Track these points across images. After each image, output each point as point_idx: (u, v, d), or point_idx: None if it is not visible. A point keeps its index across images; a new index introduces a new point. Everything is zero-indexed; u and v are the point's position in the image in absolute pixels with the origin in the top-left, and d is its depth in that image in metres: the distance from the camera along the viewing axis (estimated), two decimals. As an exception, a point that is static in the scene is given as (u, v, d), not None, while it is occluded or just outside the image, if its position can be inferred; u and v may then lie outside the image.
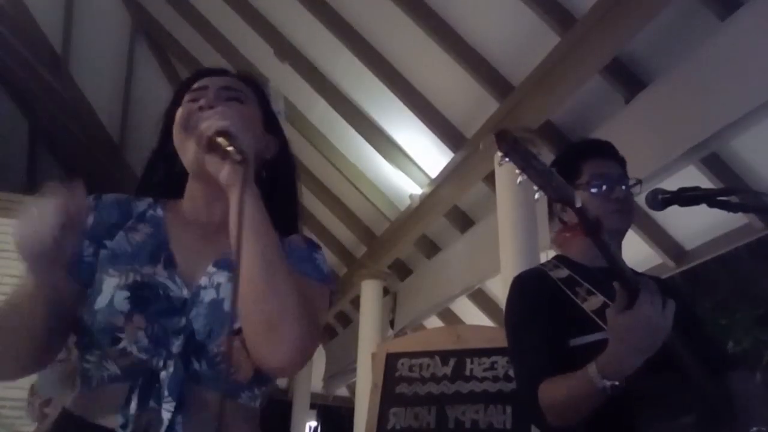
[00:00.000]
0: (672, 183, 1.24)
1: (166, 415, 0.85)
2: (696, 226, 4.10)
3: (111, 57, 6.71)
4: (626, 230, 1.43)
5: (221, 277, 0.94)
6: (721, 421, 1.18)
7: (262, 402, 0.98)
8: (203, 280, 0.94)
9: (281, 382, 9.19)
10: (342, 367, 7.45)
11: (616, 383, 1.07)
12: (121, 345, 0.88)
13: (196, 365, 0.89)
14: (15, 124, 7.38)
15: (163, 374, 0.87)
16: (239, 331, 0.88)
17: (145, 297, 0.90)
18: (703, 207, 1.28)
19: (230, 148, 0.85)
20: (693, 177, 3.47)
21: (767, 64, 2.76)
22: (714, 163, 3.59)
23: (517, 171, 1.00)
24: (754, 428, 1.18)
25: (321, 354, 8.29)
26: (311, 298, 0.92)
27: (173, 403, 0.85)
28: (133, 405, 0.86)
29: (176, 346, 0.88)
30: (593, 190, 1.38)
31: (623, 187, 1.40)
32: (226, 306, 0.91)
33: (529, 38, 3.68)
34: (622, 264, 1.10)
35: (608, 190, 1.38)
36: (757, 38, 2.80)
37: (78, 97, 6.88)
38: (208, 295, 0.92)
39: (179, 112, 1.00)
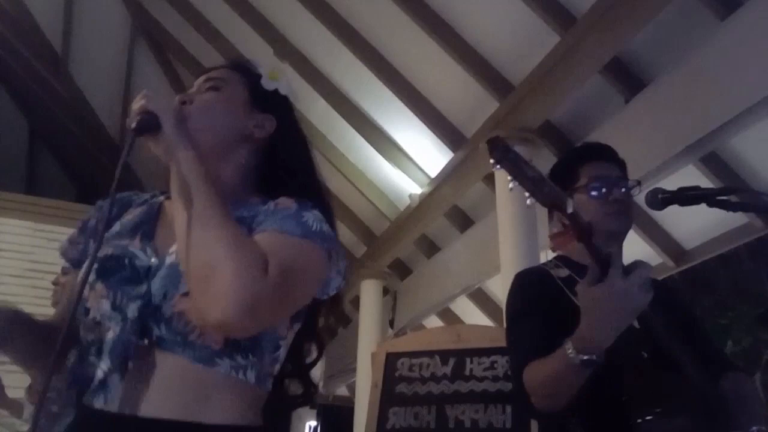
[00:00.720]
0: (671, 182, 1.25)
1: (99, 374, 0.87)
2: (696, 225, 4.10)
3: (111, 57, 6.71)
4: (626, 232, 1.43)
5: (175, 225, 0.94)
6: (718, 421, 1.18)
7: (261, 378, 0.93)
8: (172, 248, 0.93)
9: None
10: (342, 367, 7.44)
11: (593, 357, 1.07)
12: (91, 315, 0.91)
13: (156, 330, 0.88)
14: (15, 124, 7.39)
15: (109, 334, 0.89)
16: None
17: (109, 267, 0.92)
18: (703, 206, 1.28)
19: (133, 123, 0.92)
20: (692, 176, 3.47)
21: (767, 64, 2.76)
22: (713, 163, 3.59)
23: (509, 178, 1.01)
24: (755, 428, 1.18)
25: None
26: (286, 252, 0.86)
27: (108, 363, 0.87)
28: (72, 360, 0.90)
29: (131, 310, 0.89)
30: (592, 193, 1.39)
31: (622, 189, 1.41)
32: (182, 268, 0.88)
33: (529, 38, 3.68)
34: (598, 243, 1.10)
35: (606, 193, 1.39)
36: (757, 38, 2.80)
37: (78, 97, 6.88)
38: (168, 261, 0.92)
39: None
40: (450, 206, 5.08)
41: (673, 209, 1.32)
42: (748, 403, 1.23)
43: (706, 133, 3.08)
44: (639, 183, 1.43)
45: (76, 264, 1.05)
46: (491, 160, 1.01)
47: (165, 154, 0.93)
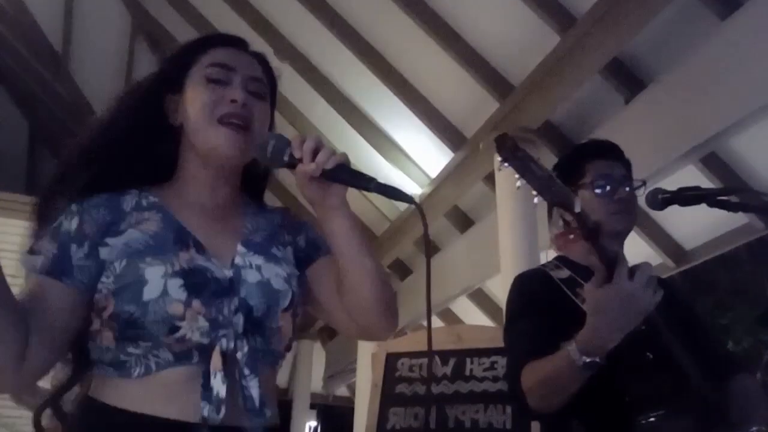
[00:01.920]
0: (672, 182, 1.25)
1: (255, 392, 0.88)
2: (696, 225, 4.10)
3: (111, 57, 6.70)
4: (628, 231, 1.43)
5: (257, 259, 0.98)
6: (719, 421, 1.18)
7: None
8: (238, 260, 0.96)
9: (281, 382, 9.20)
10: (342, 367, 7.44)
11: (596, 359, 1.07)
12: (180, 333, 0.87)
13: (252, 342, 0.92)
14: (15, 124, 7.39)
15: (239, 354, 0.89)
16: (288, 308, 0.97)
17: (197, 282, 0.90)
18: (703, 207, 1.28)
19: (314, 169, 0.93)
20: (693, 177, 3.46)
21: (767, 63, 2.76)
22: (714, 163, 3.59)
23: (516, 176, 1.00)
24: (755, 428, 1.18)
25: (321, 353, 8.29)
26: None
27: (256, 379, 0.89)
28: (220, 389, 0.86)
29: (239, 325, 0.91)
30: (597, 191, 1.38)
31: (626, 188, 1.40)
32: (275, 284, 0.96)
33: (529, 38, 3.68)
34: (605, 242, 1.10)
35: (611, 191, 1.38)
36: (758, 38, 2.80)
37: (78, 97, 6.88)
38: (251, 276, 0.95)
39: (204, 96, 0.99)
40: (450, 206, 5.08)
41: (674, 209, 1.32)
42: (751, 403, 1.23)
43: (707, 133, 3.08)
44: (644, 183, 1.42)
45: (52, 271, 0.93)
46: (499, 158, 1.00)
47: (325, 205, 0.98)
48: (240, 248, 0.98)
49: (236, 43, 1.08)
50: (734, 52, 2.90)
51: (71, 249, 0.94)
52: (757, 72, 2.79)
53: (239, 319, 0.91)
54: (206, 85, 1.00)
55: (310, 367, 8.23)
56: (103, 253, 0.93)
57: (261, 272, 0.96)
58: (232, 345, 0.89)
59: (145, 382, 0.87)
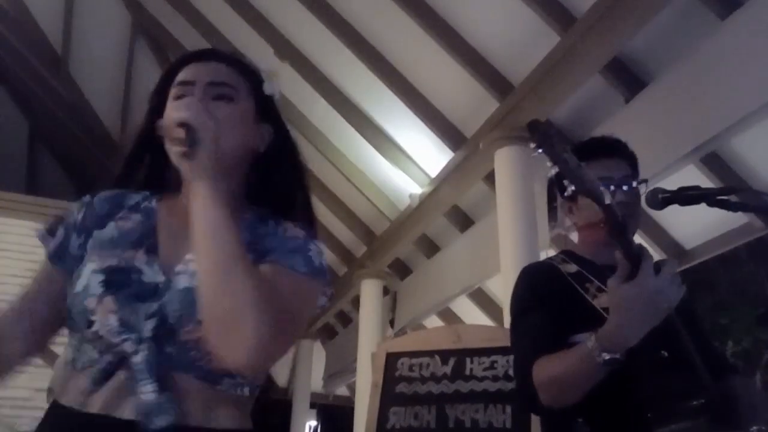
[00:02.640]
0: (672, 182, 1.25)
1: (150, 398, 0.85)
2: (696, 225, 4.10)
3: (111, 57, 6.71)
4: (633, 233, 1.40)
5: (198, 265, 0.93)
6: (724, 421, 1.18)
7: (253, 390, 0.96)
8: (179, 267, 0.93)
9: (282, 382, 9.20)
10: (342, 367, 7.45)
11: (617, 356, 1.06)
12: (94, 328, 0.89)
13: (167, 350, 0.88)
14: (15, 124, 7.39)
15: (137, 357, 0.87)
16: None
17: (117, 281, 0.90)
18: (703, 206, 1.27)
19: (178, 146, 0.87)
20: (693, 176, 3.47)
21: (767, 64, 2.76)
22: (714, 162, 3.59)
23: (549, 164, 0.98)
24: (755, 428, 1.18)
25: (321, 353, 8.30)
26: (293, 292, 0.90)
27: (154, 384, 0.85)
28: (109, 385, 0.87)
29: (148, 330, 0.88)
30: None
31: (625, 188, 1.38)
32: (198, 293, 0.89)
33: (529, 38, 3.68)
34: (630, 236, 1.07)
35: (611, 195, 1.37)
36: (758, 37, 2.80)
37: (78, 97, 6.89)
38: (182, 281, 0.91)
39: (165, 112, 0.97)
40: (450, 206, 5.08)
41: (674, 209, 1.31)
42: (753, 404, 1.22)
43: (707, 132, 3.08)
44: (645, 181, 1.40)
45: (52, 257, 0.99)
46: (532, 144, 0.98)
47: (191, 174, 0.89)
48: (188, 255, 0.93)
49: (201, 56, 1.07)
50: (734, 51, 2.90)
51: (72, 238, 1.00)
52: (757, 72, 2.79)
53: (149, 325, 0.88)
54: (171, 104, 1.00)
55: (310, 367, 8.23)
56: (89, 243, 0.98)
57: (193, 278, 0.90)
58: (131, 349, 0.87)
59: (78, 376, 0.91)
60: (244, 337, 0.81)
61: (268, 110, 1.07)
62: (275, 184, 1.07)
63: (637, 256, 1.05)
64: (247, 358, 0.82)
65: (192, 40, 5.87)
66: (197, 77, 1.01)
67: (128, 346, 0.88)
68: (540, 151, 0.96)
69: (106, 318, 0.88)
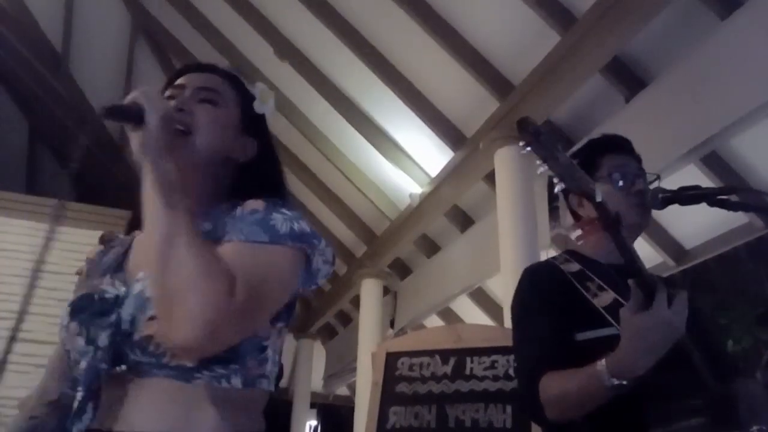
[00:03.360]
0: (672, 182, 1.25)
1: (75, 404, 0.86)
2: (696, 225, 4.10)
3: (111, 57, 6.71)
4: (645, 226, 1.39)
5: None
6: (728, 422, 1.18)
7: (249, 381, 0.92)
8: (139, 275, 0.93)
9: (282, 382, 9.18)
10: (342, 366, 7.45)
11: (624, 383, 1.07)
12: (72, 356, 0.92)
13: (132, 355, 0.88)
14: (15, 124, 7.38)
15: (81, 365, 0.89)
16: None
17: (79, 305, 0.93)
18: (703, 206, 1.27)
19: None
20: (693, 176, 3.47)
21: (767, 64, 2.76)
22: (714, 162, 3.59)
23: (538, 162, 0.98)
24: (755, 427, 1.18)
25: (321, 353, 8.30)
26: (254, 264, 0.85)
27: (82, 392, 0.87)
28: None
29: (102, 339, 0.89)
30: (619, 183, 1.36)
31: (643, 181, 1.39)
32: (147, 292, 0.88)
33: (530, 37, 3.68)
34: (640, 262, 1.08)
35: (630, 184, 1.37)
36: (758, 37, 2.80)
37: (78, 97, 6.88)
38: (137, 287, 0.91)
39: None
40: (450, 206, 5.08)
41: (674, 209, 1.31)
42: (754, 403, 1.22)
43: (707, 132, 3.08)
44: (659, 177, 1.40)
45: None
46: (521, 143, 0.97)
47: (138, 151, 0.87)
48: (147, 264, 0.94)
49: (200, 68, 1.11)
50: (734, 51, 2.90)
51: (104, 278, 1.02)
52: (757, 71, 2.79)
53: (104, 334, 0.89)
54: None
55: (310, 367, 8.23)
56: None
57: (144, 282, 0.91)
58: (89, 359, 0.88)
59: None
60: (188, 311, 0.78)
61: (256, 126, 1.09)
62: (252, 195, 1.02)
63: (651, 287, 1.05)
64: (192, 334, 0.78)
65: (192, 40, 5.87)
66: (189, 83, 1.06)
67: (85, 358, 0.90)
68: (528, 149, 0.96)
69: (73, 341, 0.91)
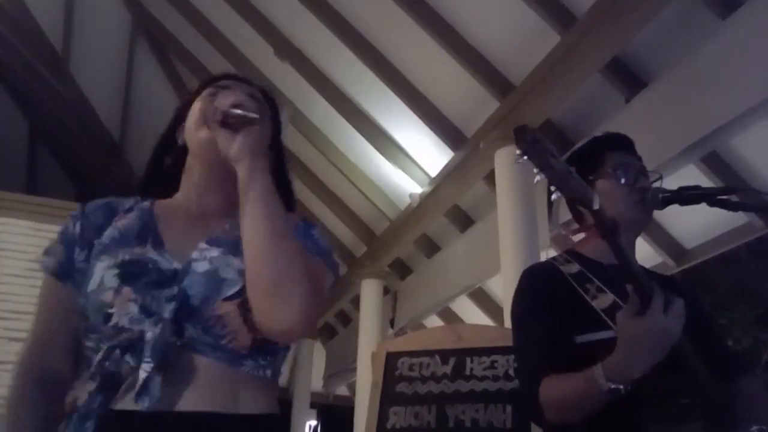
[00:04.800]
0: (672, 182, 1.24)
1: (142, 375, 0.85)
2: (696, 225, 4.10)
3: (111, 57, 6.71)
4: (647, 223, 1.39)
5: (214, 252, 0.97)
6: (727, 423, 1.17)
7: (275, 373, 0.99)
8: (195, 254, 0.96)
9: (282, 382, 9.19)
10: (342, 366, 7.45)
11: (621, 387, 1.07)
12: (113, 320, 0.90)
13: (190, 331, 0.90)
14: (15, 124, 7.38)
15: (148, 335, 0.88)
16: (233, 297, 0.92)
17: (133, 272, 0.92)
18: (703, 206, 1.27)
19: (244, 113, 0.95)
20: (693, 176, 3.47)
21: (767, 63, 2.76)
22: (714, 162, 3.59)
23: (535, 170, 0.98)
24: (755, 427, 1.18)
25: (321, 353, 8.30)
26: (315, 272, 0.96)
27: (151, 364, 0.86)
28: (108, 363, 0.88)
29: (168, 311, 0.89)
30: (622, 180, 1.36)
31: (647, 178, 1.39)
32: (222, 273, 0.93)
33: (530, 37, 3.68)
34: (636, 267, 1.08)
35: (633, 181, 1.37)
36: (758, 37, 2.80)
37: (78, 97, 6.87)
38: (201, 266, 0.94)
39: (197, 105, 1.05)
40: (450, 206, 5.08)
41: (674, 209, 1.31)
42: (755, 403, 1.22)
43: (707, 132, 3.08)
44: (661, 176, 1.40)
45: (59, 273, 1.01)
46: (517, 151, 0.98)
47: (237, 155, 0.94)
48: (201, 244, 0.98)
49: (235, 77, 1.15)
50: (734, 51, 2.90)
51: (75, 251, 1.01)
52: (757, 71, 2.79)
53: (169, 307, 0.90)
54: (204, 98, 1.07)
55: (310, 367, 8.23)
56: (92, 253, 1.00)
57: (212, 262, 0.95)
58: (151, 332, 0.88)
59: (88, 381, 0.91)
60: (294, 297, 0.88)
61: (276, 143, 1.16)
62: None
63: (648, 293, 1.05)
64: (296, 319, 0.88)
65: (192, 40, 5.87)
66: (236, 86, 1.09)
67: (146, 327, 0.89)
68: (525, 158, 0.96)
69: (125, 307, 0.90)
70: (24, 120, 7.55)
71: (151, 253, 0.95)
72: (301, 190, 6.27)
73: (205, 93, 1.08)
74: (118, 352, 0.89)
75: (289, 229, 0.93)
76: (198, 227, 1.03)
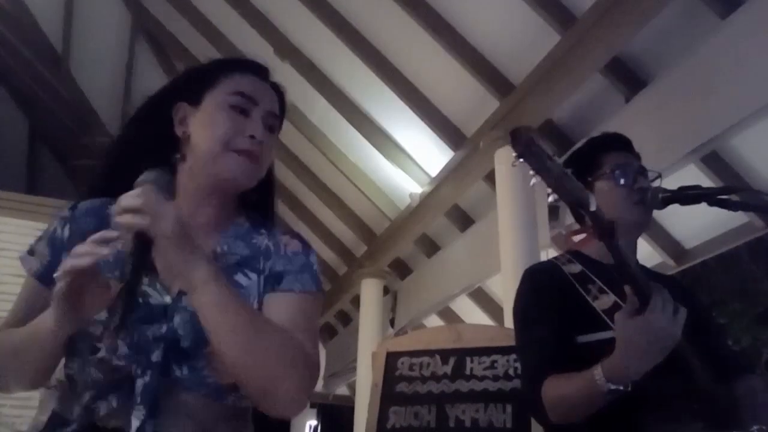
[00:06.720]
0: (672, 182, 1.24)
1: (135, 423, 0.84)
2: (696, 224, 4.10)
3: (111, 57, 6.71)
4: (647, 223, 1.39)
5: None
6: (728, 423, 1.17)
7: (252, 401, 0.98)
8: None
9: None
10: (342, 366, 7.44)
11: (621, 387, 1.07)
12: (100, 354, 0.88)
13: (177, 372, 0.89)
14: (15, 124, 7.38)
15: (138, 383, 0.86)
16: None
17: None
18: (703, 206, 1.27)
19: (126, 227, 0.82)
20: (693, 176, 3.47)
21: (767, 63, 2.76)
22: (714, 162, 3.59)
23: (531, 172, 0.98)
24: (755, 427, 1.18)
25: (321, 353, 8.28)
26: (312, 313, 0.96)
27: (143, 411, 0.85)
28: (103, 407, 0.87)
29: (156, 354, 0.88)
30: (620, 181, 1.36)
31: (645, 178, 1.39)
32: None
33: (530, 37, 3.68)
34: (634, 267, 1.08)
35: (632, 181, 1.37)
36: (758, 36, 2.80)
37: (78, 97, 6.87)
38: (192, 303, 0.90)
39: (225, 124, 0.99)
40: (450, 205, 5.08)
41: (674, 208, 1.31)
42: (756, 403, 1.22)
43: (708, 132, 3.08)
44: (660, 175, 1.40)
45: (42, 278, 0.97)
46: (513, 154, 0.98)
47: (169, 267, 0.84)
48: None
49: (260, 71, 1.10)
50: (734, 51, 2.90)
51: (62, 257, 0.95)
52: (757, 71, 2.79)
53: (158, 349, 0.88)
54: (227, 111, 1.01)
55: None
56: None
57: None
58: (137, 373, 0.87)
59: (81, 395, 0.89)
60: (287, 393, 0.87)
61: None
62: (256, 194, 1.10)
63: (647, 292, 1.05)
64: (295, 407, 0.90)
65: (192, 40, 5.87)
66: (260, 98, 1.05)
67: (134, 371, 0.87)
68: (521, 160, 0.96)
69: (113, 344, 0.88)
70: (24, 119, 7.55)
71: (143, 282, 0.91)
72: (301, 190, 6.26)
73: (228, 107, 1.01)
74: (97, 389, 0.88)
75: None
76: None
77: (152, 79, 6.68)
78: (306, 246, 1.05)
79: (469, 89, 4.19)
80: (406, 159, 5.13)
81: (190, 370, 0.89)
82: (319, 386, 8.36)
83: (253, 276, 0.99)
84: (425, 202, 5.08)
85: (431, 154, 4.91)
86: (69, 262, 0.80)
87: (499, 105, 3.99)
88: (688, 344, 1.13)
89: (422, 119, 4.59)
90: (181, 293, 0.91)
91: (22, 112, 7.43)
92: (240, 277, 0.98)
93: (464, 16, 3.96)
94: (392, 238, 5.74)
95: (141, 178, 0.87)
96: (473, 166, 4.39)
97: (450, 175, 4.69)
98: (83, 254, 0.80)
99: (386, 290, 6.28)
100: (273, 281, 0.98)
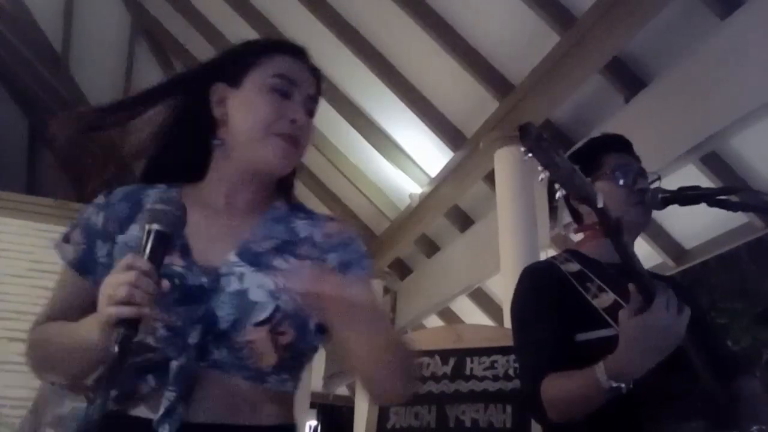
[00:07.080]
0: (672, 182, 1.25)
1: (165, 403, 0.84)
2: (695, 225, 4.10)
3: (111, 57, 6.71)
4: (646, 225, 1.39)
5: (244, 268, 0.92)
6: (728, 423, 1.17)
7: (295, 385, 0.98)
8: (223, 268, 0.92)
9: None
10: (342, 366, 7.43)
11: (622, 386, 1.07)
12: (138, 338, 0.85)
13: (216, 354, 0.88)
14: (15, 124, 7.38)
15: (173, 365, 0.86)
16: (264, 322, 0.88)
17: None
18: (703, 206, 1.27)
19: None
20: (693, 176, 3.47)
21: (767, 63, 2.76)
22: (714, 162, 3.59)
23: (540, 168, 0.98)
24: (755, 427, 1.18)
25: (321, 353, 8.26)
26: (377, 295, 0.98)
27: (175, 393, 0.84)
28: (140, 389, 0.87)
29: (193, 336, 0.87)
30: (620, 182, 1.36)
31: (645, 179, 1.39)
32: (252, 296, 0.89)
33: (529, 37, 3.68)
34: (639, 265, 1.08)
35: (631, 182, 1.37)
36: (758, 37, 2.80)
37: (78, 97, 6.87)
38: (230, 284, 0.90)
39: (266, 107, 0.99)
40: (450, 206, 5.08)
41: (673, 209, 1.31)
42: (756, 403, 1.22)
43: (707, 132, 3.08)
44: (659, 177, 1.40)
45: (78, 267, 0.96)
46: (522, 148, 0.97)
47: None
48: (231, 256, 0.93)
49: (300, 53, 1.11)
50: (734, 51, 2.90)
51: (97, 245, 0.96)
52: (757, 71, 2.79)
53: (195, 331, 0.87)
54: (268, 93, 1.01)
55: (310, 367, 8.21)
56: (115, 250, 0.95)
57: (242, 281, 0.90)
58: (173, 355, 0.86)
59: (122, 384, 0.89)
60: (398, 388, 0.95)
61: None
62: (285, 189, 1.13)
63: (650, 290, 1.05)
64: (404, 395, 0.97)
65: (192, 40, 5.87)
66: (300, 81, 1.06)
67: (171, 351, 0.87)
68: (530, 155, 0.96)
69: (151, 327, 0.86)
70: (24, 119, 7.55)
71: (178, 265, 0.90)
72: (300, 189, 6.25)
73: (269, 89, 1.01)
74: (131, 370, 0.87)
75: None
76: (227, 228, 0.97)
77: (152, 79, 6.62)
78: (350, 231, 1.05)
79: (469, 90, 4.19)
80: (405, 159, 5.13)
81: (228, 351, 0.88)
82: (319, 386, 8.38)
83: (293, 261, 0.97)
84: (425, 202, 5.08)
85: (431, 154, 4.91)
86: (112, 311, 0.76)
87: (499, 105, 3.99)
88: (689, 343, 1.13)
89: (422, 120, 4.59)
90: (218, 275, 0.91)
91: (22, 112, 7.44)
92: (279, 262, 0.95)
93: (464, 16, 3.96)
94: (392, 239, 5.75)
95: (146, 211, 0.85)
96: (473, 167, 4.39)
97: (450, 175, 4.69)
98: (121, 284, 0.76)
99: (386, 290, 6.28)
100: (341, 268, 0.98)
